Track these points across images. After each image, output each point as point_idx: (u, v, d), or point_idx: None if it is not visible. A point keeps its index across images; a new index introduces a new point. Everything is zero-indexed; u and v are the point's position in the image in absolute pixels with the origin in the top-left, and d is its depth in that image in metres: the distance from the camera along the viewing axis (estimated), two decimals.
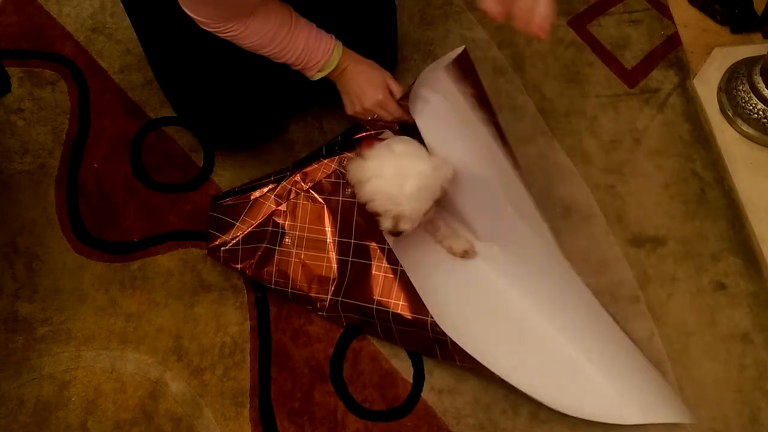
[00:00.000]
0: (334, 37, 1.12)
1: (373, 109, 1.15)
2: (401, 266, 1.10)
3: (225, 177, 1.32)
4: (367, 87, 1.14)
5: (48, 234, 1.25)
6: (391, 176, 1.01)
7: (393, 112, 1.15)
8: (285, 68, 1.12)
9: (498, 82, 1.44)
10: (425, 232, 1.22)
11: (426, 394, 1.12)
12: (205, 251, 1.22)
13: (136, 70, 1.42)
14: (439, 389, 1.13)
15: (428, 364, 1.15)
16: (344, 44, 1.14)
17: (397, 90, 1.16)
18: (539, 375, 1.09)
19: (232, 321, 1.18)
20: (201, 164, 1.33)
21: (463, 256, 1.20)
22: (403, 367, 1.15)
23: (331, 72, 1.13)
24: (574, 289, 1.15)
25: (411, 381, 1.14)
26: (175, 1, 1.00)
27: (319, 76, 1.13)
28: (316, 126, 1.37)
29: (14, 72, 1.41)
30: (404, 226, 1.04)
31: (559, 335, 1.13)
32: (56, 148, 1.34)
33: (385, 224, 1.05)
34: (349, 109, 1.18)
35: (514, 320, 1.15)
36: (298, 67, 1.12)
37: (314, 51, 1.09)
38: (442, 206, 1.17)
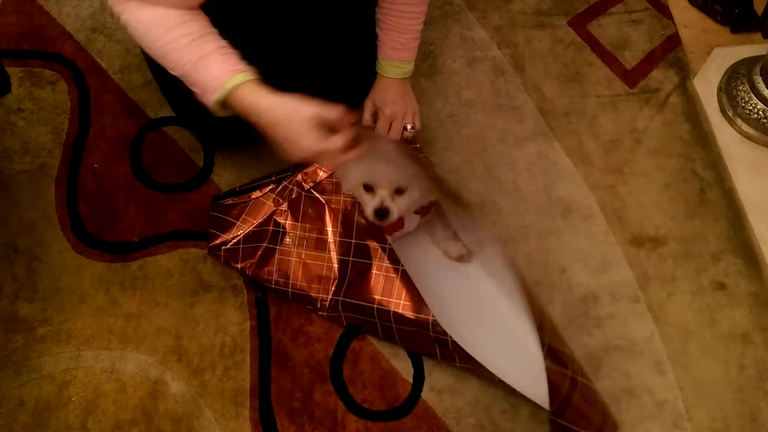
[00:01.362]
0: (249, 70, 0.90)
1: (313, 160, 0.98)
2: (402, 265, 1.10)
3: (225, 177, 1.32)
4: (294, 136, 0.89)
5: (48, 234, 1.25)
6: (367, 165, 1.04)
7: (335, 156, 0.92)
8: (284, 69, 1.11)
9: (498, 82, 1.44)
10: (424, 233, 1.22)
11: (426, 394, 1.12)
12: (205, 251, 1.22)
13: (136, 70, 1.42)
14: (439, 389, 1.13)
15: (428, 364, 1.14)
16: (326, 64, 1.07)
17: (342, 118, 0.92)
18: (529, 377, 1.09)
19: (232, 321, 1.18)
20: (201, 164, 1.33)
21: (458, 260, 1.20)
22: (403, 367, 1.15)
23: (236, 107, 0.90)
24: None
25: (411, 381, 1.13)
26: None
27: (215, 101, 0.90)
28: None
29: (14, 72, 1.41)
30: (382, 218, 1.05)
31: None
32: (56, 148, 1.34)
33: (366, 211, 1.06)
34: (289, 158, 0.94)
35: (501, 323, 1.15)
36: (196, 88, 0.91)
37: (210, 68, 0.89)
38: (441, 211, 1.17)
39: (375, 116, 1.20)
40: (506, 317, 1.15)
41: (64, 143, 1.34)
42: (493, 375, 1.05)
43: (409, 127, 1.20)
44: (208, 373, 1.13)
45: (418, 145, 1.25)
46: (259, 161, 1.31)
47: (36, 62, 1.43)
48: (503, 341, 1.13)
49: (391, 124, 1.18)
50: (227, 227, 1.18)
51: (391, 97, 1.17)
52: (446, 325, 1.06)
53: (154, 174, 1.32)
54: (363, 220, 1.12)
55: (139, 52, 1.34)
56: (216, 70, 0.89)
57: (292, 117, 0.89)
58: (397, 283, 1.10)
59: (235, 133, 1.27)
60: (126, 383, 1.13)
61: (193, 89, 0.92)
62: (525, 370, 1.09)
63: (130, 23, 0.91)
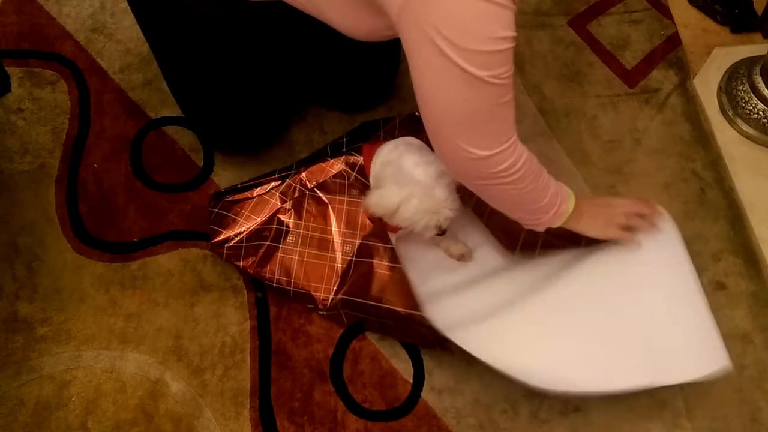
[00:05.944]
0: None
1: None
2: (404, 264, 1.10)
3: (225, 177, 1.32)
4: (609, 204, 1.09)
5: (48, 234, 1.25)
6: (420, 194, 1.02)
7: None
8: (287, 72, 1.11)
9: None
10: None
11: (426, 394, 1.12)
12: (206, 251, 1.22)
13: (136, 70, 1.42)
14: (439, 389, 1.13)
15: (428, 364, 1.15)
16: (344, 73, 1.11)
17: None
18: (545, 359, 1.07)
19: (232, 321, 1.18)
20: (201, 164, 1.33)
21: (459, 259, 1.20)
22: (403, 367, 1.15)
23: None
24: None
25: (411, 381, 1.13)
26: (184, 6, 1.00)
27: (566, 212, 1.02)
28: (316, 126, 1.37)
29: (14, 72, 1.41)
30: (446, 224, 1.07)
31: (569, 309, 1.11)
32: (56, 148, 1.34)
33: (429, 233, 1.08)
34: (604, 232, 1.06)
35: (515, 307, 1.13)
36: (546, 215, 1.00)
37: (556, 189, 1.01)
38: None
39: None
40: (516, 308, 1.14)
41: (64, 143, 1.34)
42: (493, 368, 1.04)
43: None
44: (208, 373, 1.13)
45: None
46: (260, 162, 1.32)
47: (36, 62, 1.43)
48: (512, 325, 1.12)
49: None
50: (229, 224, 1.18)
51: None
52: (442, 325, 1.06)
53: (154, 174, 1.32)
54: (368, 220, 1.12)
55: (140, 52, 1.34)
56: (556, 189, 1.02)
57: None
58: (400, 282, 1.10)
59: (238, 134, 1.28)
60: (126, 383, 1.13)
61: (536, 216, 1.00)
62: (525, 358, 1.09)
63: (524, 166, 0.94)
